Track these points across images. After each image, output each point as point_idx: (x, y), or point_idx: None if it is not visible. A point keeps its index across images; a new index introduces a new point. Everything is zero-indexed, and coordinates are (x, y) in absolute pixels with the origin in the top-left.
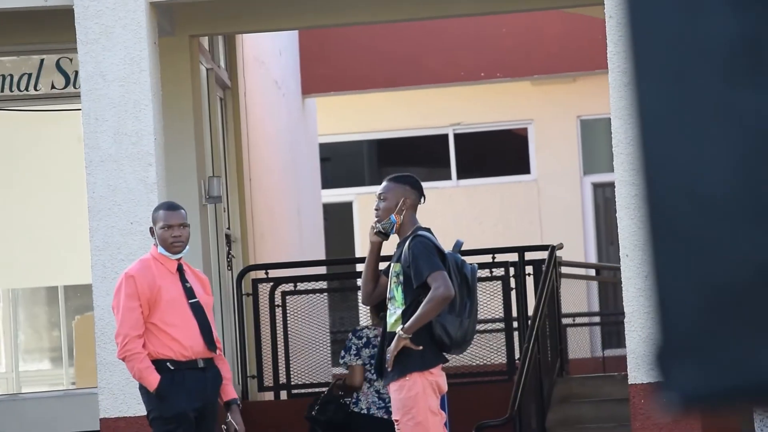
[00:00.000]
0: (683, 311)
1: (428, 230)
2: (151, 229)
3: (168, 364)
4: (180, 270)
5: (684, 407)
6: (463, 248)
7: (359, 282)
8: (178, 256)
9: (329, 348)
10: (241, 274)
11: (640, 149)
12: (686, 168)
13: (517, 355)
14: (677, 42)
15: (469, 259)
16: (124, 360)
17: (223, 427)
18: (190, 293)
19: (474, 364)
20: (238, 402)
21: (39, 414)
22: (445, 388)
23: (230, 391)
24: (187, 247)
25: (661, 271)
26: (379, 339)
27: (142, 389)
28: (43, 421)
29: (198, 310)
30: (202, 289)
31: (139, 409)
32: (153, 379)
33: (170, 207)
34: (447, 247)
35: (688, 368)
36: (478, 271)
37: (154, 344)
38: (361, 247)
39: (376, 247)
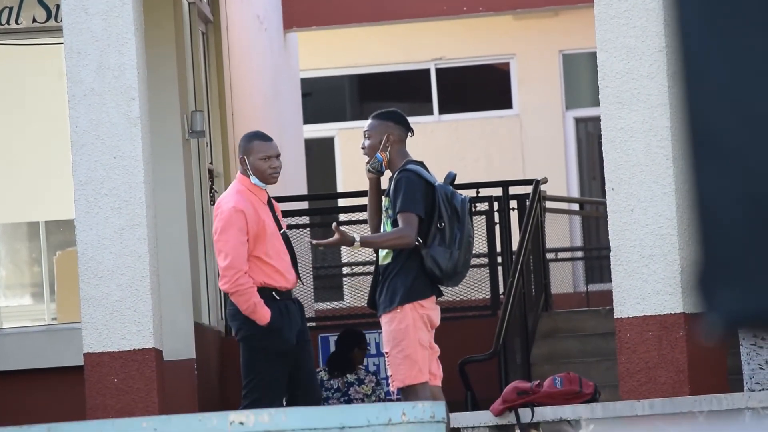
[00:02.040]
0: (727, 232)
1: (420, 163)
2: (242, 159)
3: (273, 293)
4: (269, 200)
5: (728, 329)
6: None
7: (341, 217)
8: (266, 186)
9: (312, 284)
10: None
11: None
12: (731, 84)
13: (501, 290)
14: None
15: (458, 193)
16: (233, 294)
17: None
18: (278, 224)
19: (458, 299)
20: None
21: (21, 349)
22: (437, 322)
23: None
24: None
25: (705, 189)
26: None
27: (239, 318)
28: (25, 356)
29: (288, 241)
30: (280, 218)
31: (122, 343)
32: (265, 312)
33: (265, 138)
34: (441, 179)
35: (731, 289)
36: None
37: (260, 275)
38: (343, 182)
39: (373, 184)
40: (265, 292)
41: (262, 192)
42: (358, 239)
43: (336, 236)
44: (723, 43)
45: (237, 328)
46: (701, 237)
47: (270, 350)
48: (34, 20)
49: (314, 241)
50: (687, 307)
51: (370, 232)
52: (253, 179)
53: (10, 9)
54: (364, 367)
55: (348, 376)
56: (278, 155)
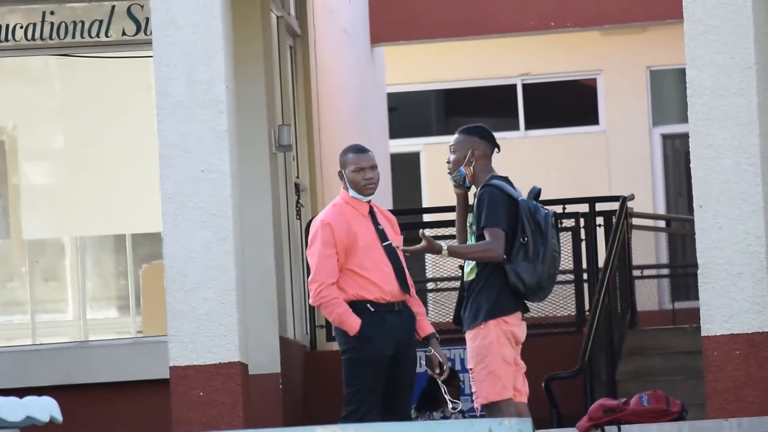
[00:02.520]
0: None
1: (505, 179)
2: (340, 173)
3: (368, 305)
4: (372, 213)
5: None
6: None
7: (427, 232)
8: (370, 198)
9: None
10: (310, 223)
11: None
12: None
13: (587, 307)
14: None
15: (542, 207)
16: (319, 307)
17: (422, 361)
18: (383, 236)
19: (544, 315)
20: (437, 336)
21: (107, 361)
22: (523, 338)
23: (426, 326)
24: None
25: None
26: None
27: (339, 332)
28: (111, 369)
29: (392, 253)
30: (391, 229)
31: (208, 357)
32: (354, 321)
33: (359, 150)
34: (525, 194)
35: None
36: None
37: (353, 287)
38: (428, 197)
39: (460, 199)
40: (359, 304)
41: (362, 204)
42: (445, 248)
43: (423, 243)
44: None
45: (338, 341)
46: None
47: (363, 361)
48: (124, 33)
49: (401, 247)
50: None
51: None
52: (351, 192)
53: (100, 22)
54: (453, 405)
55: (434, 414)
56: (373, 166)
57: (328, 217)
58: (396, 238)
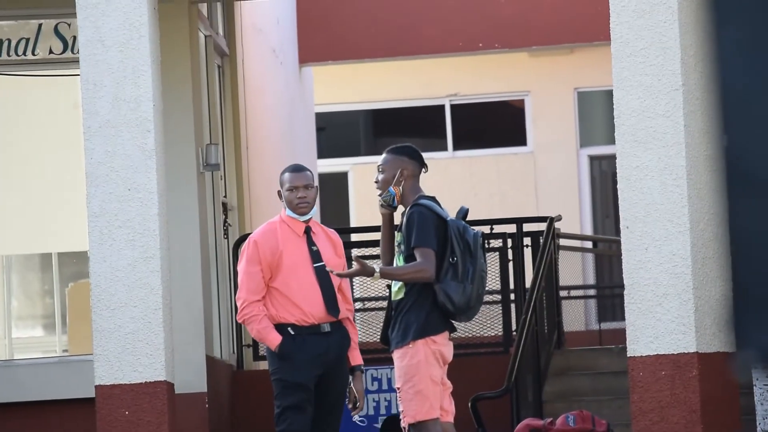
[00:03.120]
0: (760, 268)
1: (432, 198)
2: (279, 192)
3: (289, 329)
4: (308, 232)
5: (762, 365)
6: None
7: (354, 252)
8: (306, 217)
9: None
10: (238, 243)
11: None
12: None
13: (514, 327)
14: None
15: (470, 227)
16: (243, 323)
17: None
18: (316, 257)
19: (471, 335)
20: (362, 369)
21: (33, 380)
22: (450, 357)
23: (355, 356)
24: (315, 208)
25: (739, 225)
26: None
27: (268, 352)
28: (36, 387)
29: (322, 274)
30: (332, 251)
31: (134, 376)
32: (273, 338)
33: (295, 169)
34: (453, 214)
35: (766, 326)
36: None
37: (277, 308)
38: (356, 217)
39: (386, 219)
40: (280, 327)
41: (297, 224)
42: (377, 270)
43: (356, 267)
44: (764, 79)
45: (268, 362)
46: (735, 273)
47: (286, 381)
48: (51, 51)
49: (335, 272)
50: (701, 346)
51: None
52: (287, 211)
53: (27, 40)
54: None
55: None
56: (307, 186)
57: (256, 235)
58: (335, 260)
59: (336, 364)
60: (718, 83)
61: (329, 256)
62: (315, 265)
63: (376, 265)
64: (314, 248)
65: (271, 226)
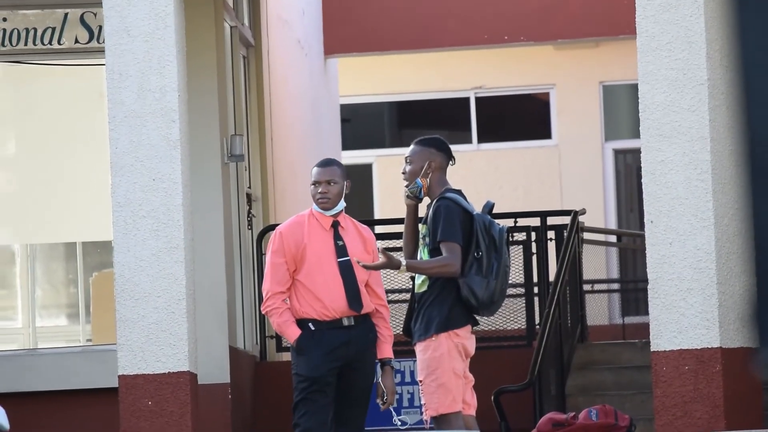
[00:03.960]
0: None
1: (459, 192)
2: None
3: (309, 324)
4: (335, 227)
5: None
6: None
7: (378, 244)
8: (331, 212)
9: None
10: (262, 234)
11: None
12: None
13: (537, 321)
14: None
15: (496, 222)
16: (266, 314)
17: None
18: (341, 251)
19: (494, 329)
20: (392, 364)
21: (56, 369)
22: (473, 351)
23: (384, 350)
24: (342, 203)
25: (763, 220)
26: None
27: (291, 346)
28: (60, 377)
29: (346, 269)
30: (362, 246)
31: (157, 366)
32: (292, 333)
33: (321, 164)
34: (478, 208)
35: None
36: None
37: (300, 302)
38: (380, 209)
39: (411, 210)
40: (302, 322)
41: (324, 218)
42: (404, 263)
43: (383, 259)
44: None
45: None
46: (758, 269)
47: (300, 375)
48: (77, 41)
49: (361, 263)
50: (724, 341)
51: (404, 259)
52: (314, 205)
53: (53, 29)
54: None
55: None
56: (330, 181)
57: (283, 227)
58: (364, 256)
59: (358, 358)
60: (741, 83)
61: (358, 251)
62: (339, 259)
63: (402, 258)
64: (340, 243)
65: (300, 218)
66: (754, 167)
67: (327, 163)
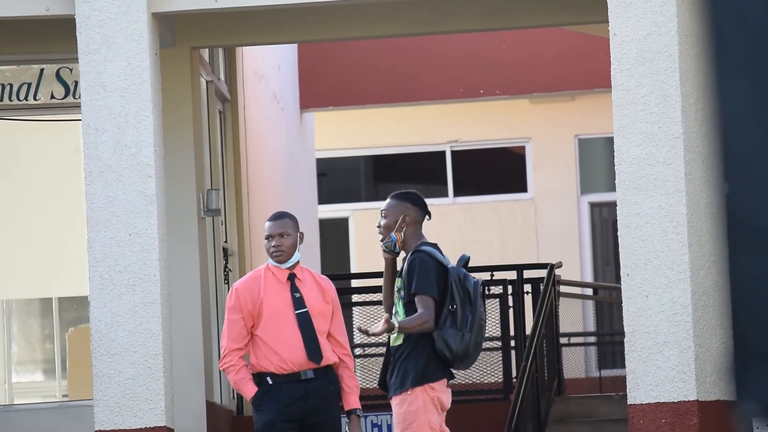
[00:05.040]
0: (762, 318)
1: (434, 245)
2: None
3: (268, 378)
4: (291, 279)
5: (763, 415)
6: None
7: (354, 297)
8: (286, 265)
9: None
10: None
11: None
12: None
13: (514, 374)
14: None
15: (471, 275)
16: (224, 371)
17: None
18: (298, 303)
19: (471, 382)
20: (358, 413)
21: (33, 425)
22: (448, 404)
23: (351, 401)
24: (297, 254)
25: (741, 275)
26: None
27: None
28: None
29: (304, 321)
30: (321, 297)
31: (134, 421)
32: (248, 391)
33: (273, 217)
34: (454, 262)
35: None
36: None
37: (258, 357)
38: (357, 262)
39: (389, 264)
40: (260, 376)
41: (280, 271)
42: (396, 325)
43: (384, 324)
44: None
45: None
46: (735, 322)
47: (258, 429)
48: (53, 96)
49: (363, 328)
50: (701, 394)
51: (384, 313)
52: (269, 259)
53: (29, 85)
54: None
55: None
56: (282, 234)
57: (239, 283)
58: (322, 306)
59: (318, 411)
60: (720, 137)
61: (315, 302)
62: (297, 311)
63: (395, 320)
64: (297, 295)
65: (256, 273)
66: (730, 223)
67: (279, 216)
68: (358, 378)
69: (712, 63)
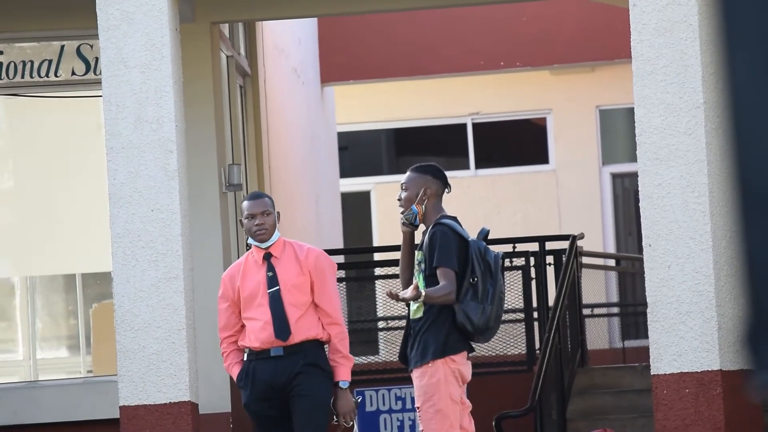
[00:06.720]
0: None
1: (454, 219)
2: (240, 221)
3: (246, 355)
4: (267, 258)
5: None
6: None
7: (377, 271)
8: (266, 244)
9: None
10: None
11: (733, 125)
12: None
13: (537, 346)
14: None
15: (491, 249)
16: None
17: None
18: (271, 282)
19: (494, 354)
20: (342, 386)
21: (58, 401)
22: (469, 377)
23: (337, 372)
24: (277, 233)
25: (755, 245)
26: None
27: None
28: (61, 408)
29: (274, 299)
30: (297, 269)
31: (158, 396)
32: (234, 374)
33: (252, 197)
34: (473, 235)
35: None
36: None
37: (242, 338)
38: (379, 236)
39: (407, 237)
40: (250, 354)
41: (259, 251)
42: (423, 293)
43: (413, 291)
44: None
45: None
46: (750, 292)
47: (246, 408)
48: (73, 73)
49: (393, 293)
50: (724, 364)
51: (401, 286)
52: (249, 239)
53: (50, 62)
54: None
55: None
56: (263, 212)
57: (225, 272)
58: (297, 279)
59: (293, 384)
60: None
61: (291, 276)
62: (269, 290)
63: (422, 289)
64: (270, 274)
65: (240, 260)
66: (744, 194)
67: (257, 196)
68: (382, 351)
69: (722, 33)
